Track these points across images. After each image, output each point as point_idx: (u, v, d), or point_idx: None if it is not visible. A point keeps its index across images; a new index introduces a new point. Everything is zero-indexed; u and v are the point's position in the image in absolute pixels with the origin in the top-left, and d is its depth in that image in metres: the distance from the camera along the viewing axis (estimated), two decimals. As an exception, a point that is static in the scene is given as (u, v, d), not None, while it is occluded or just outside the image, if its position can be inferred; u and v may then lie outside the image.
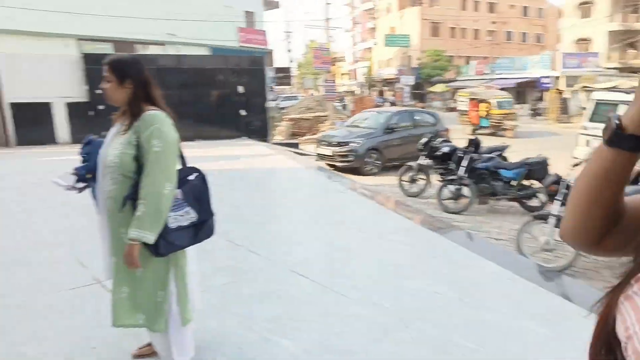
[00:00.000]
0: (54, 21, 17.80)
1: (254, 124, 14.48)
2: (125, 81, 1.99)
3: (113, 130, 2.08)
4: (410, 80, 34.92)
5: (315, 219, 5.46)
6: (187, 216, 2.03)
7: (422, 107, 22.45)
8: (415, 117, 11.32)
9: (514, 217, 6.63)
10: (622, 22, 32.07)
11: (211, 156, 9.95)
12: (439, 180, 7.53)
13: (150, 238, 1.89)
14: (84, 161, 2.18)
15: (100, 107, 12.45)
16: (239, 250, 4.22)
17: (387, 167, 10.36)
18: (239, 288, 3.40)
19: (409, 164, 8.14)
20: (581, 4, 33.67)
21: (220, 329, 2.79)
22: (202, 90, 13.87)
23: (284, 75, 28.75)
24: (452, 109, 28.53)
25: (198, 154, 9.65)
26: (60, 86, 12.22)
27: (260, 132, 14.45)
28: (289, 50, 33.30)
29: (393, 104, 32.17)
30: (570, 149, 9.11)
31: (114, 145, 1.98)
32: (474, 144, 7.18)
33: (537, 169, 6.76)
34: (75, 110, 12.37)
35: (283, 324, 2.86)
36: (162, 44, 21.73)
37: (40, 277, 3.55)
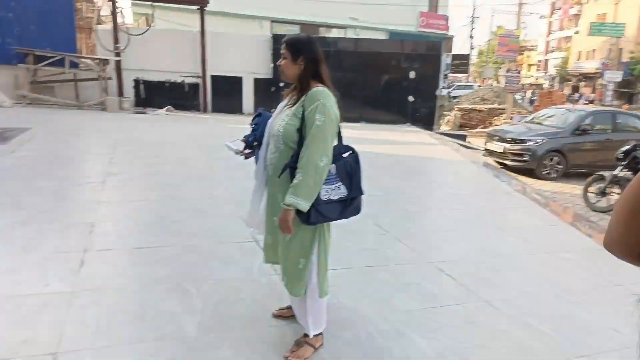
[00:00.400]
0: (252, 4, 20.01)
1: (420, 111, 14.07)
2: (298, 58, 2.10)
3: (282, 103, 2.23)
4: (617, 76, 29.62)
5: (472, 219, 5.02)
6: (338, 191, 2.10)
7: (628, 109, 18.81)
8: (617, 120, 9.54)
9: None
10: None
11: (372, 139, 10.01)
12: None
13: (305, 206, 1.98)
14: (253, 130, 2.37)
15: (281, 84, 13.63)
16: (386, 236, 4.12)
17: (570, 174, 9.01)
18: (380, 273, 3.31)
19: (601, 173, 6.90)
20: None
21: (355, 310, 2.75)
22: (374, 74, 13.96)
23: (461, 63, 27.25)
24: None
25: (360, 135, 9.83)
26: (252, 63, 13.65)
27: (426, 120, 13.98)
28: (471, 37, 31.25)
29: (591, 102, 27.80)
30: None
31: (281, 117, 2.12)
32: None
33: None
34: (260, 85, 13.72)
35: (420, 321, 2.68)
36: (343, 27, 22.61)
37: (210, 227, 4.02)
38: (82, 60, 12.34)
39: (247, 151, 2.39)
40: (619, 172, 6.66)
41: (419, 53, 13.92)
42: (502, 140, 9.45)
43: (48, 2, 11.86)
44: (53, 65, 11.51)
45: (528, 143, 9.02)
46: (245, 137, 2.38)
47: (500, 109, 18.87)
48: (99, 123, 10.03)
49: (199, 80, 13.36)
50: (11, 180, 5.00)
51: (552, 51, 51.39)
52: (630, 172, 6.53)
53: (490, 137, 9.99)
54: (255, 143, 2.33)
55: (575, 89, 39.95)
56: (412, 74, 13.81)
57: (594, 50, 40.00)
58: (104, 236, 3.62)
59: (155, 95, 13.22)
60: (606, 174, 6.83)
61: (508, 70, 17.20)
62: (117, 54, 12.53)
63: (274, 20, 21.40)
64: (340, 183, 2.10)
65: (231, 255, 3.42)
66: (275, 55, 13.45)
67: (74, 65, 11.99)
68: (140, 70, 12.99)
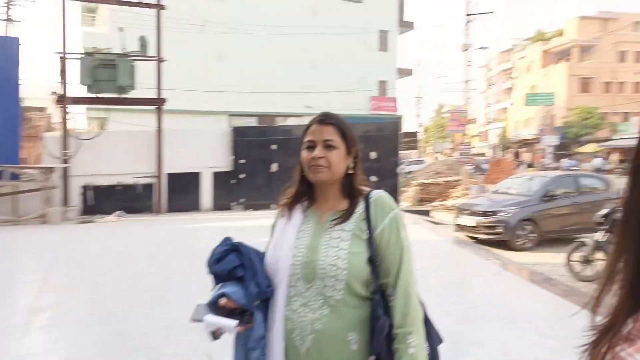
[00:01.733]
0: (209, 100, 20.31)
1: (385, 191, 13.99)
2: (352, 150, 1.39)
3: (294, 222, 1.40)
4: (553, 140, 31.75)
5: (476, 313, 4.46)
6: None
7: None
8: (580, 182, 9.69)
9: None
10: None
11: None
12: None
13: None
14: (217, 260, 1.34)
15: (241, 175, 13.28)
16: None
17: (542, 242, 8.83)
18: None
19: (582, 239, 6.69)
20: None
21: None
22: (335, 158, 13.98)
23: (410, 140, 28.40)
24: (609, 171, 24.87)
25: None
26: (211, 157, 13.35)
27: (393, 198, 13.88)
28: (418, 115, 33.06)
29: (530, 165, 29.29)
30: None
31: (323, 243, 1.32)
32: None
33: None
34: (220, 178, 13.33)
35: None
36: (299, 115, 23.27)
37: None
38: (25, 171, 11.61)
39: (233, 324, 1.22)
40: (601, 236, 6.47)
41: (377, 134, 14.19)
42: (473, 213, 9.28)
43: (-9, 114, 11.33)
44: (-10, 179, 10.69)
45: (500, 214, 8.87)
46: (225, 296, 1.25)
47: (456, 181, 19.30)
48: (36, 240, 9.01)
49: (154, 180, 12.79)
50: None
51: (491, 122, 55.19)
52: (612, 236, 6.36)
53: (460, 211, 9.82)
54: (255, 303, 1.30)
55: (517, 155, 42.33)
56: (373, 155, 13.92)
57: (529, 118, 43.19)
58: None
59: (104, 200, 12.44)
60: (587, 240, 6.63)
61: (461, 144, 17.85)
62: (65, 161, 11.91)
63: (232, 114, 21.70)
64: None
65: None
66: (237, 147, 13.25)
67: (15, 177, 11.22)
68: (89, 175, 12.33)
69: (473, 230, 9.21)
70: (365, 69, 24.55)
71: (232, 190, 13.25)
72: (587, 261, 6.53)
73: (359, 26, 23.68)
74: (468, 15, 21.25)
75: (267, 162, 13.29)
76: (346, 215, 1.34)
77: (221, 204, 13.12)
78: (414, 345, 1.23)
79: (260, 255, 1.38)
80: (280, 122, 22.21)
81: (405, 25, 28.15)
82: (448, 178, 18.27)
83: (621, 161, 30.15)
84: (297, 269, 1.30)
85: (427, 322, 1.36)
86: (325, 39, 22.54)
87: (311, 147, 1.33)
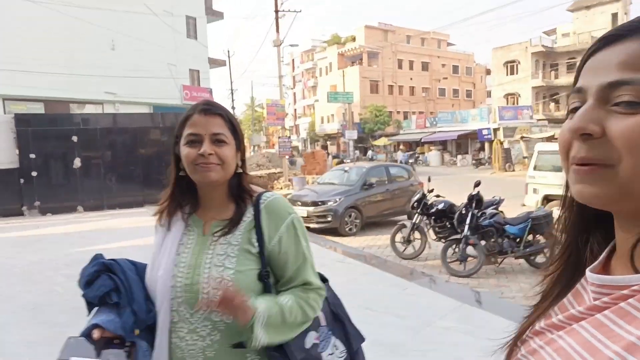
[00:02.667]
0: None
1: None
2: (240, 144, 1.20)
3: (174, 233, 1.19)
4: (353, 134, 35.62)
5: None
6: (336, 352, 1.25)
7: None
8: (390, 172, 10.91)
9: (525, 276, 6.10)
10: (544, 79, 35.24)
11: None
12: (436, 240, 6.97)
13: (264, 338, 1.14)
14: (88, 283, 1.12)
15: (33, 173, 10.90)
16: None
17: (365, 226, 9.70)
18: None
19: (402, 222, 7.52)
20: (506, 62, 36.72)
21: None
22: (150, 152, 12.65)
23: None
24: (396, 162, 29.25)
25: (148, 223, 8.37)
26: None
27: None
28: (234, 108, 32.79)
29: (335, 157, 32.35)
30: (520, 197, 9.63)
31: (206, 261, 1.12)
32: (476, 200, 6.70)
33: (541, 223, 6.38)
34: (4, 179, 10.65)
35: None
36: (99, 102, 20.38)
37: None
38: None
39: (112, 354, 1.01)
40: (417, 219, 7.36)
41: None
42: (304, 204, 9.58)
43: None
44: None
45: (329, 203, 9.35)
46: (98, 327, 1.05)
47: (278, 173, 19.87)
48: None
49: None
50: None
51: (300, 117, 58.91)
52: (424, 217, 7.28)
53: (293, 202, 10.01)
54: (136, 332, 1.10)
55: (325, 147, 46.34)
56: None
57: (332, 114, 47.53)
58: None
59: None
60: (407, 222, 7.47)
61: (279, 137, 18.35)
62: None
63: (6, 98, 17.61)
64: (333, 337, 1.24)
65: None
66: (23, 139, 10.74)
67: None
68: None
69: (305, 220, 9.49)
70: (174, 55, 23.05)
71: (22, 191, 10.77)
72: (407, 241, 7.37)
73: (164, 9, 22.03)
74: (276, 11, 21.86)
75: (67, 157, 11.21)
76: (232, 225, 1.14)
77: (7, 209, 10.51)
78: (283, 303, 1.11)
79: (141, 274, 1.18)
80: (76, 109, 19.09)
81: (214, 14, 27.52)
82: (270, 170, 18.61)
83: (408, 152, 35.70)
84: (179, 292, 1.12)
85: (347, 324, 1.28)
86: (127, 17, 20.20)
87: (194, 141, 1.12)
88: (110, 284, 1.12)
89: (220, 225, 1.15)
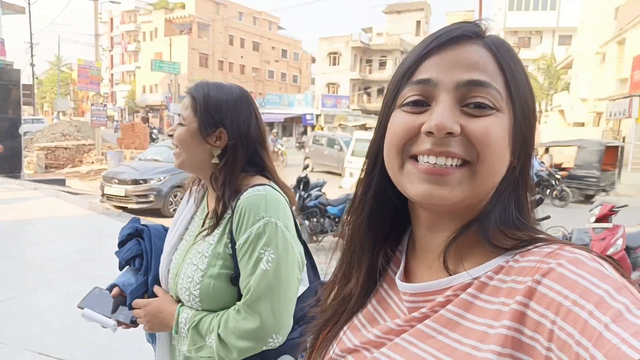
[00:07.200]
0: None
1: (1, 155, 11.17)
2: (214, 130, 1.10)
3: (186, 208, 1.20)
4: (179, 108, 33.70)
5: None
6: None
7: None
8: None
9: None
10: (360, 72, 39.02)
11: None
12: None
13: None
14: (121, 243, 1.24)
15: None
16: None
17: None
18: None
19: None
20: (330, 53, 39.41)
21: None
22: None
23: (24, 94, 23.52)
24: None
25: None
26: None
27: (11, 166, 11.23)
28: (33, 65, 27.45)
29: (160, 132, 30.31)
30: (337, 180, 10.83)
31: (190, 255, 1.09)
32: (304, 182, 7.11)
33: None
34: None
35: None
36: None
37: None
38: None
39: (111, 324, 1.12)
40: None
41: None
42: (123, 182, 8.74)
43: None
44: None
45: (152, 182, 8.73)
46: (118, 287, 1.16)
47: (89, 145, 17.58)
48: None
49: None
50: None
51: (118, 84, 53.03)
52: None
53: (108, 180, 9.01)
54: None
55: (145, 119, 42.81)
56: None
57: (156, 84, 44.16)
58: None
59: None
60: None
61: (93, 104, 16.19)
62: None
63: None
64: None
65: None
66: None
67: None
68: None
69: (122, 200, 8.70)
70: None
71: None
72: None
73: None
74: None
75: None
76: (214, 224, 1.07)
77: None
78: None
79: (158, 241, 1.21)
80: None
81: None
82: (80, 142, 16.35)
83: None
84: (170, 279, 1.13)
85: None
86: None
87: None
88: (137, 250, 1.18)
89: (210, 222, 1.09)
